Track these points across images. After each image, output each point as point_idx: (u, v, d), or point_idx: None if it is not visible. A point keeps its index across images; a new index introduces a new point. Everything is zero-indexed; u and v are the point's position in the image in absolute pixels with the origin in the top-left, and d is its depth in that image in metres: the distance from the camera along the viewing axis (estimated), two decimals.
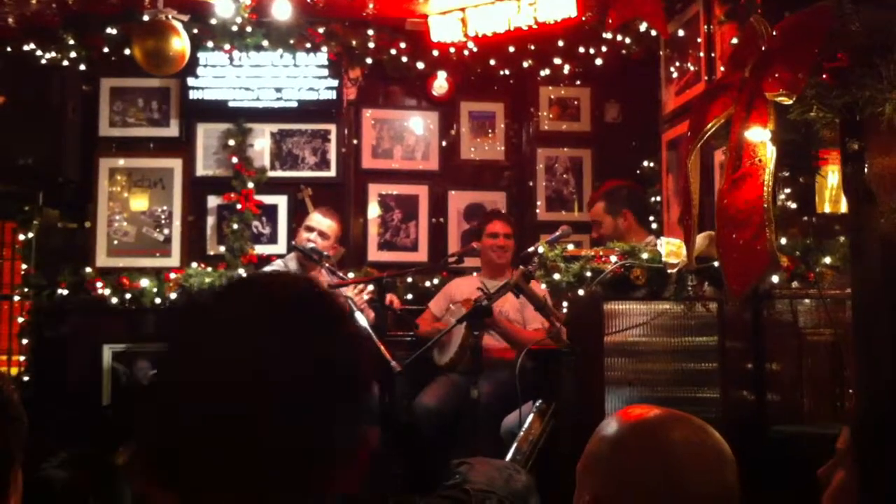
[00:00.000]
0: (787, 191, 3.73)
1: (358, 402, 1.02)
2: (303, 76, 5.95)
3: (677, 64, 5.03)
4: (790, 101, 1.90)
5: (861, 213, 1.88)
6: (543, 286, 3.78)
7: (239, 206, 5.90)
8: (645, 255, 3.44)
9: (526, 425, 3.80)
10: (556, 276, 3.48)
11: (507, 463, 3.28)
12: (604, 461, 1.36)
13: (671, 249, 3.32)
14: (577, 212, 6.30)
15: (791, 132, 2.07)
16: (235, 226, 5.87)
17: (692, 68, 4.82)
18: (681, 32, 4.93)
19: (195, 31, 5.59)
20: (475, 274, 5.53)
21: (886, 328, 1.89)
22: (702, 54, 4.65)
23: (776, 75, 1.90)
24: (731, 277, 2.19)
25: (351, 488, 1.01)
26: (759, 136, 2.01)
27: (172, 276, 5.72)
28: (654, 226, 5.08)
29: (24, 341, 5.78)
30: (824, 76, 1.82)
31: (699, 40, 4.67)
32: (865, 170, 1.80)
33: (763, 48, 2.04)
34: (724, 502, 1.32)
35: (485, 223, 5.48)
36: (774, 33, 2.02)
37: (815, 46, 1.85)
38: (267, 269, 5.22)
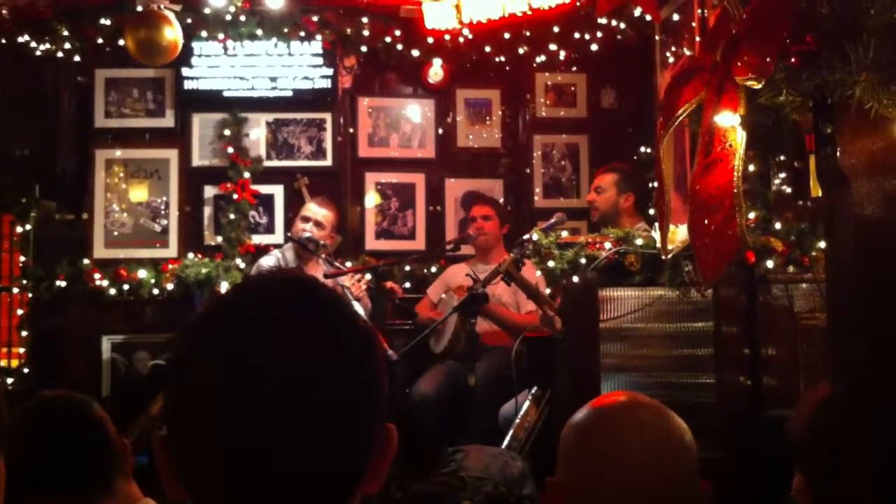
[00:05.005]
0: (782, 175, 3.73)
1: (383, 396, 0.97)
2: (297, 65, 5.93)
3: (672, 49, 5.01)
4: (759, 86, 1.89)
5: (834, 196, 1.88)
6: (538, 273, 3.78)
7: (235, 196, 5.89)
8: (639, 242, 3.44)
9: (522, 412, 3.82)
10: (551, 264, 3.48)
11: (502, 450, 3.29)
12: (566, 447, 1.38)
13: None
14: (576, 198, 6.29)
15: (764, 117, 2.07)
16: (232, 216, 5.87)
17: (687, 53, 4.80)
18: (675, 17, 4.90)
19: (188, 20, 5.58)
20: (469, 261, 5.53)
21: (861, 315, 1.89)
22: (697, 38, 4.63)
23: (745, 59, 1.89)
24: (703, 262, 2.19)
25: (378, 486, 0.97)
26: (730, 121, 2.00)
27: (170, 266, 5.72)
28: (651, 211, 5.07)
29: (24, 333, 5.79)
30: (793, 60, 1.81)
31: (693, 24, 4.65)
32: (838, 153, 1.80)
33: (733, 31, 2.03)
34: (674, 489, 1.32)
35: (468, 209, 5.51)
36: (744, 16, 2.01)
37: (782, 30, 1.84)
38: (263, 259, 5.22)
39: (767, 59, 1.84)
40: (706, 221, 2.09)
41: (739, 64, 1.93)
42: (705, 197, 2.08)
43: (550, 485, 1.38)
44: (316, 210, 5.23)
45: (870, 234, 1.81)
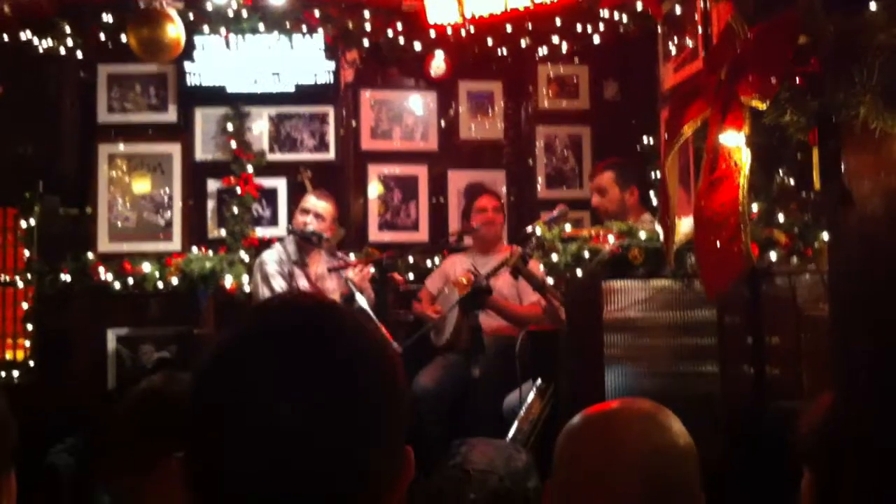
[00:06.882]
0: (785, 167, 3.72)
1: (406, 418, 0.99)
2: (300, 59, 5.93)
3: (675, 40, 5.01)
4: (764, 107, 1.90)
5: (839, 213, 1.89)
6: (541, 267, 3.79)
7: (238, 190, 5.91)
8: (643, 235, 3.45)
9: (526, 405, 3.83)
10: (554, 257, 3.49)
11: (506, 443, 3.30)
12: (560, 451, 1.40)
13: None
14: (578, 188, 6.30)
15: (767, 136, 2.08)
16: (235, 209, 5.89)
17: (690, 44, 4.80)
18: (678, 9, 4.90)
19: (191, 16, 5.59)
20: (467, 252, 5.54)
21: (864, 336, 1.90)
22: (699, 30, 4.63)
23: (750, 80, 1.90)
24: (708, 279, 2.20)
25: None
26: (735, 141, 2.01)
27: (174, 260, 5.74)
28: (654, 202, 5.08)
29: (29, 327, 5.81)
30: (798, 81, 1.82)
31: (696, 17, 4.65)
32: (843, 169, 1.81)
33: (738, 51, 2.04)
34: (664, 497, 1.33)
35: (472, 200, 5.50)
36: (750, 36, 2.02)
37: (787, 52, 1.84)
38: (266, 253, 5.23)
39: (772, 81, 1.85)
40: (711, 239, 2.10)
41: (744, 85, 1.94)
42: (710, 214, 2.09)
43: (546, 487, 1.41)
44: (315, 202, 5.23)
45: (875, 251, 1.82)
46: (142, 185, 6.00)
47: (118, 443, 1.93)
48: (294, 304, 1.02)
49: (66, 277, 5.68)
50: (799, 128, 1.94)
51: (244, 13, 5.77)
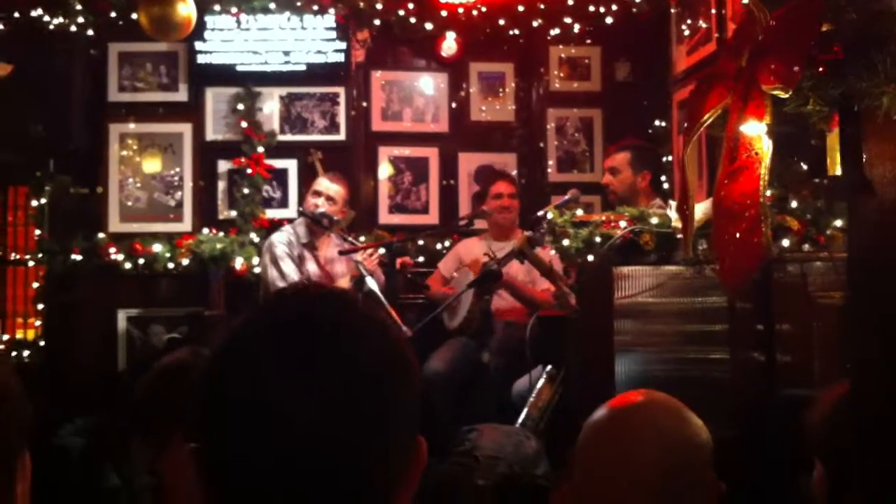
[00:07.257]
0: (799, 153, 3.70)
1: (417, 408, 0.99)
2: (311, 39, 5.90)
3: (688, 22, 4.97)
4: (786, 95, 1.86)
5: (859, 203, 1.86)
6: (553, 252, 3.77)
7: (249, 171, 5.90)
8: (654, 220, 3.43)
9: (536, 391, 3.83)
10: (566, 242, 3.47)
11: (516, 429, 3.29)
12: (582, 447, 1.39)
13: None
14: (590, 172, 6.28)
15: (788, 125, 2.04)
16: (246, 190, 5.88)
17: (703, 26, 4.76)
18: None
19: None
20: (482, 235, 5.52)
21: (877, 325, 1.87)
22: (713, 11, 4.59)
23: (772, 67, 1.87)
24: (727, 271, 2.18)
25: (410, 494, 0.99)
26: (756, 130, 1.97)
27: (185, 241, 5.74)
28: (665, 185, 5.05)
29: (40, 306, 5.83)
30: (820, 69, 1.79)
31: None
32: (864, 158, 1.78)
33: (760, 37, 2.00)
34: (686, 490, 1.33)
35: (488, 185, 5.47)
36: (773, 22, 1.98)
37: (810, 39, 1.81)
38: (275, 235, 5.22)
39: (795, 68, 1.82)
40: (731, 229, 2.07)
41: (766, 72, 1.90)
42: (730, 204, 2.06)
43: (558, 495, 1.40)
44: (328, 185, 5.21)
45: (892, 240, 1.80)
46: (152, 164, 6.00)
47: (140, 416, 1.94)
48: (304, 295, 1.01)
49: (76, 257, 5.69)
50: (821, 117, 1.91)
51: None
